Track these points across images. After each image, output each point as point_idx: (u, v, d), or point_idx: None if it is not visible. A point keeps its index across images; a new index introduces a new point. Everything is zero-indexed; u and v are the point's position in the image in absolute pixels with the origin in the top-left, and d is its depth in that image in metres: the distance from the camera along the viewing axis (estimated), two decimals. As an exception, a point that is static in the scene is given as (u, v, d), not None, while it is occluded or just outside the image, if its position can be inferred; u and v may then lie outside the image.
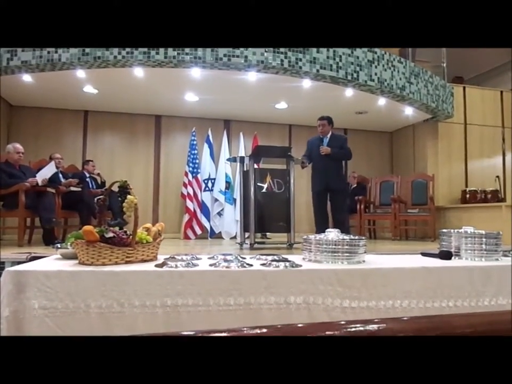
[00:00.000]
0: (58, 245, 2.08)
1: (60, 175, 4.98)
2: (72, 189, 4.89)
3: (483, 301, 1.92)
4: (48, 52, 4.37)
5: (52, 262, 1.86)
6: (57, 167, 4.91)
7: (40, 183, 4.31)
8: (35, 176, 4.33)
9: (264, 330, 0.53)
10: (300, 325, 0.57)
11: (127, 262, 1.78)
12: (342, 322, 0.57)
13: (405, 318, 0.63)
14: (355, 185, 6.79)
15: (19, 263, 2.72)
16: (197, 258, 2.02)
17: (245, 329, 0.53)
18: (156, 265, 1.73)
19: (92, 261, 1.73)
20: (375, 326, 0.58)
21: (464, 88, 6.97)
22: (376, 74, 5.20)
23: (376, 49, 5.28)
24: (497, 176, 6.58)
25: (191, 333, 0.54)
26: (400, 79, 5.47)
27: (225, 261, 1.83)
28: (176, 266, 1.70)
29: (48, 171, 4.50)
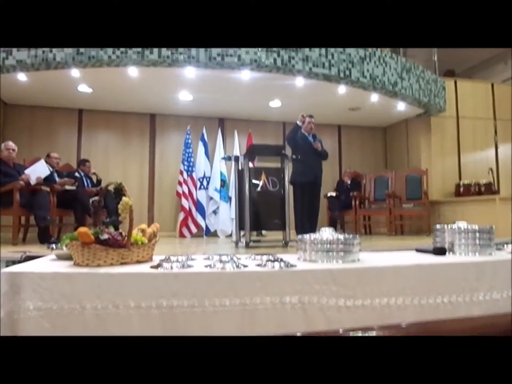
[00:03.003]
0: (53, 246, 2.07)
1: (55, 174, 4.96)
2: (67, 187, 4.88)
3: (477, 296, 1.94)
4: (43, 51, 4.35)
5: (47, 263, 1.86)
6: (53, 166, 4.90)
7: (34, 182, 4.31)
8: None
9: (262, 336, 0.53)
10: (298, 334, 0.57)
11: (122, 264, 1.78)
12: (340, 331, 0.58)
13: (403, 325, 0.64)
14: (349, 181, 6.81)
15: (14, 262, 2.72)
16: (192, 259, 2.02)
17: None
18: (151, 267, 1.73)
19: (87, 262, 1.72)
20: (373, 333, 0.58)
21: (455, 81, 7.00)
22: (368, 71, 5.21)
23: (369, 46, 5.30)
24: (491, 169, 6.62)
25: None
26: (392, 75, 5.48)
27: (221, 261, 1.83)
28: (171, 267, 1.70)
29: (40, 170, 4.49)
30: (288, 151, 4.87)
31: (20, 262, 2.55)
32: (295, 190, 4.99)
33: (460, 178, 6.76)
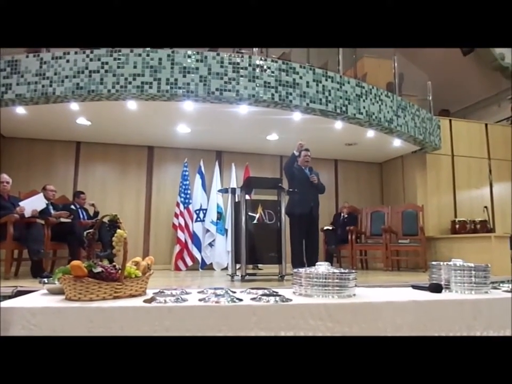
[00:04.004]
0: (45, 280, 2.04)
1: (50, 207, 4.94)
2: (62, 220, 4.84)
3: (474, 335, 1.91)
4: (43, 86, 4.44)
5: (38, 298, 1.83)
6: (48, 199, 4.88)
7: (30, 214, 4.28)
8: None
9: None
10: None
11: (115, 298, 1.75)
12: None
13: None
14: (346, 215, 6.82)
15: (4, 297, 2.67)
16: (187, 293, 2.00)
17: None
18: (144, 301, 1.70)
19: (79, 296, 1.70)
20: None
21: (450, 121, 7.15)
22: (364, 107, 5.33)
23: (364, 84, 5.43)
24: (486, 207, 6.67)
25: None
26: (388, 112, 5.60)
27: (215, 295, 1.81)
28: (165, 301, 1.68)
29: (37, 203, 4.47)
30: (285, 183, 4.90)
31: (10, 297, 2.51)
32: (291, 222, 4.98)
33: (456, 215, 6.79)
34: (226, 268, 6.18)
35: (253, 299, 1.81)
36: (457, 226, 6.45)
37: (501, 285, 2.40)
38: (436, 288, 2.17)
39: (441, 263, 2.33)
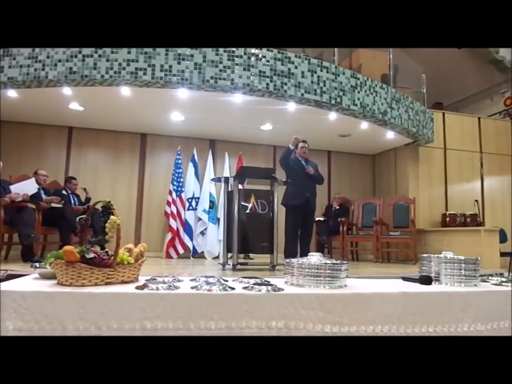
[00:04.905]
0: (37, 264, 2.04)
1: (42, 191, 4.91)
2: (53, 205, 4.82)
3: (462, 327, 1.94)
4: (35, 69, 4.37)
5: (29, 282, 1.82)
6: (40, 184, 4.84)
7: (21, 199, 4.24)
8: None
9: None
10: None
11: (107, 284, 1.75)
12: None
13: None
14: (338, 206, 6.85)
15: (-5, 281, 2.66)
16: (179, 281, 2.00)
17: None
18: (137, 287, 1.70)
19: (71, 281, 1.69)
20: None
21: (443, 114, 7.18)
22: (359, 99, 5.32)
23: (359, 75, 5.42)
24: (476, 200, 6.73)
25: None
26: (382, 104, 5.61)
27: (207, 283, 1.82)
28: (157, 288, 1.68)
29: (29, 187, 4.43)
30: (279, 174, 4.90)
31: (1, 280, 2.50)
32: (287, 213, 5.00)
33: (447, 209, 6.85)
34: (217, 257, 6.20)
35: (245, 288, 1.82)
36: (447, 219, 6.51)
37: (490, 278, 2.43)
38: (425, 280, 2.19)
39: (432, 255, 2.36)
